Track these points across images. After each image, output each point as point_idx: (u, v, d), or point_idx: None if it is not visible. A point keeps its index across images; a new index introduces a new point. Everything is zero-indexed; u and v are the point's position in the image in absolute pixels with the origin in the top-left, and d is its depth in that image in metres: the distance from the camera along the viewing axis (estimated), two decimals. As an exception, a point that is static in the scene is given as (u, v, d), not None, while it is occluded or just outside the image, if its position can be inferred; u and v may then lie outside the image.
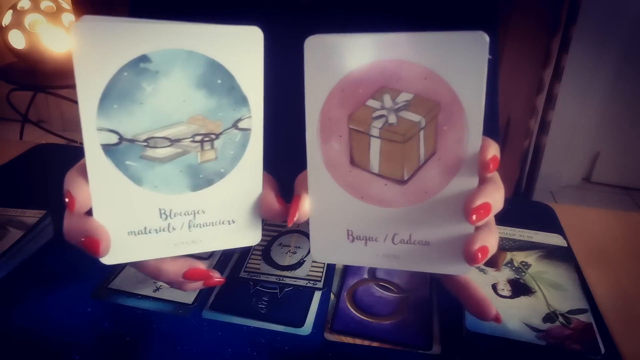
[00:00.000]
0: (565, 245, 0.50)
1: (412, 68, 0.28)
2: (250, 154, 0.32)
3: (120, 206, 0.30)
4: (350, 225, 0.32)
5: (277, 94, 0.43)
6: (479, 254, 0.29)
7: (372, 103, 0.29)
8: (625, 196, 1.96)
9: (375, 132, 0.29)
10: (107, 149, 0.29)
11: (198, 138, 0.30)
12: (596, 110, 1.85)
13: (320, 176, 0.31)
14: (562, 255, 0.48)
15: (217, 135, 0.31)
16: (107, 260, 0.31)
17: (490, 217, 0.29)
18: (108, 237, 0.30)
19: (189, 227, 0.33)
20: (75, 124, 0.28)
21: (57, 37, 1.62)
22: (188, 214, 0.32)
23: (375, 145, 0.30)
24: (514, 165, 0.98)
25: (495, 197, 0.29)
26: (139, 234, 0.31)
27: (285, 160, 0.36)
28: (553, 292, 0.43)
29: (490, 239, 0.30)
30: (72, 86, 0.27)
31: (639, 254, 0.51)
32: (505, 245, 0.49)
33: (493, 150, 0.29)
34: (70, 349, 0.38)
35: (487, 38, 0.26)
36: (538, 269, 0.46)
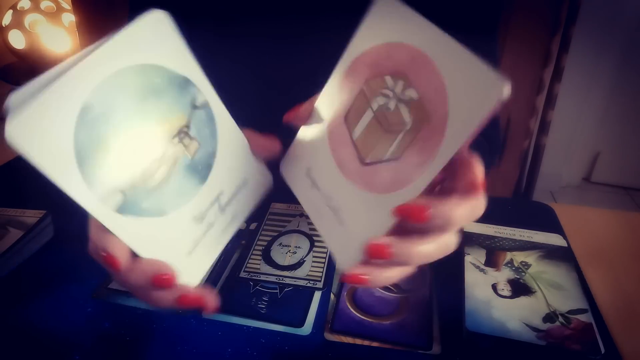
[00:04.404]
0: (565, 245, 0.50)
1: (434, 73, 0.27)
2: (221, 121, 0.33)
3: (164, 243, 0.31)
4: (311, 164, 0.34)
5: (278, 85, 0.43)
6: (374, 250, 0.27)
7: (388, 80, 0.29)
8: (625, 196, 1.96)
9: (374, 106, 0.30)
10: (121, 208, 0.28)
11: (176, 140, 0.30)
12: (596, 110, 1.85)
13: (323, 112, 0.34)
14: (562, 255, 0.48)
15: (188, 125, 0.31)
16: (189, 282, 0.32)
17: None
18: (128, 254, 0.29)
19: (221, 211, 0.34)
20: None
21: (57, 37, 1.62)
22: (213, 203, 0.34)
23: (368, 117, 0.30)
24: (514, 165, 0.98)
25: (458, 210, 0.26)
26: (194, 249, 0.33)
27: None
28: (553, 292, 0.43)
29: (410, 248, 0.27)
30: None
31: (639, 254, 0.51)
32: (505, 245, 0.49)
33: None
34: (70, 349, 0.38)
35: (508, 88, 0.23)
36: (538, 269, 0.46)
